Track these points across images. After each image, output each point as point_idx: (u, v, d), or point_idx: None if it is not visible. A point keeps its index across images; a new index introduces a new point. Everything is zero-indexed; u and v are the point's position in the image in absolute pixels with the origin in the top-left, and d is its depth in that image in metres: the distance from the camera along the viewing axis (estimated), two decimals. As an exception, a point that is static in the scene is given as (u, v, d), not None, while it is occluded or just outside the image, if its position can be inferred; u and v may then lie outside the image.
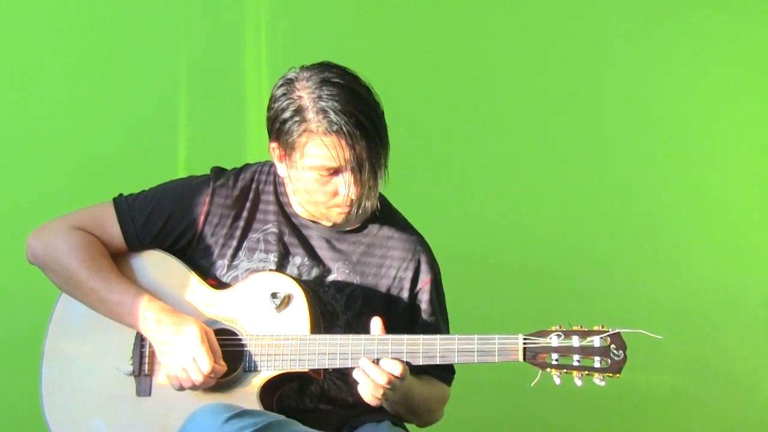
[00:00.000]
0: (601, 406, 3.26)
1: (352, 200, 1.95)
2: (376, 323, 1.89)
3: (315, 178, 1.94)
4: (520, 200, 3.33)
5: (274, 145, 1.98)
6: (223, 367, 1.90)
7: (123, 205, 2.06)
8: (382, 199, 2.15)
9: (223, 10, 3.12)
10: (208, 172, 2.12)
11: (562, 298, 3.20)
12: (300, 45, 3.07)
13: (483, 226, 3.25)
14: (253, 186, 2.09)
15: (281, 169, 2.00)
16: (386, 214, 2.12)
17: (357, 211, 1.98)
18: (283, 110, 1.92)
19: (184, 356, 1.89)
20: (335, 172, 1.93)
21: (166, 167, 2.96)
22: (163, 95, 3.05)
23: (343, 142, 1.89)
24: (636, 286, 3.35)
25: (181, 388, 1.92)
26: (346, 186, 1.93)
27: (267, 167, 2.12)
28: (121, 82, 3.00)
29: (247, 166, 2.14)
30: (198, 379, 1.88)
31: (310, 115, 1.89)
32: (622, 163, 3.42)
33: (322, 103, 1.88)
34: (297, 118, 1.91)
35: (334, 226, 2.06)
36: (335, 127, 1.87)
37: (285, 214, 2.08)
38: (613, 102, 3.44)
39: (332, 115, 1.87)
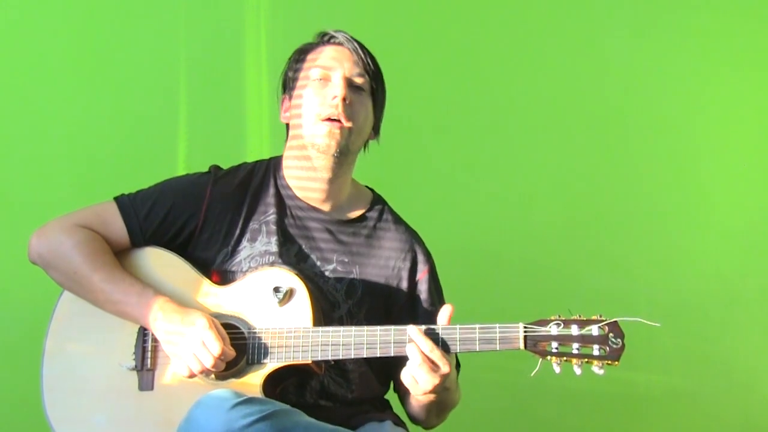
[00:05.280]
0: (600, 405, 3.26)
1: (342, 106, 2.05)
2: (444, 311, 1.91)
3: (312, 87, 2.09)
4: (522, 195, 3.34)
5: (285, 97, 2.18)
6: (231, 351, 1.91)
7: (125, 201, 2.09)
8: (378, 196, 2.25)
9: (223, 9, 3.13)
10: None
11: (561, 296, 3.20)
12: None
13: (484, 221, 3.26)
14: (254, 177, 2.15)
15: (286, 117, 2.17)
16: (381, 209, 2.21)
17: (349, 138, 2.07)
18: (291, 59, 2.18)
19: (194, 342, 1.90)
20: (329, 77, 2.09)
21: (166, 167, 2.96)
22: (163, 95, 3.05)
23: (340, 48, 2.13)
24: (636, 284, 3.35)
25: (192, 376, 1.92)
26: (337, 85, 2.07)
27: (265, 162, 2.20)
28: (121, 82, 3.01)
29: (245, 163, 2.21)
30: (209, 361, 1.88)
31: (314, 39, 2.17)
32: (623, 159, 3.44)
33: (325, 31, 2.16)
34: (302, 49, 2.17)
35: (332, 210, 2.13)
36: (334, 39, 2.14)
37: (284, 204, 2.13)
38: (614, 98, 3.46)
39: (332, 32, 2.15)
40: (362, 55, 2.12)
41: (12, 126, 2.96)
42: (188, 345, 1.90)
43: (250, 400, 1.75)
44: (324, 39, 2.16)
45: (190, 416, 1.75)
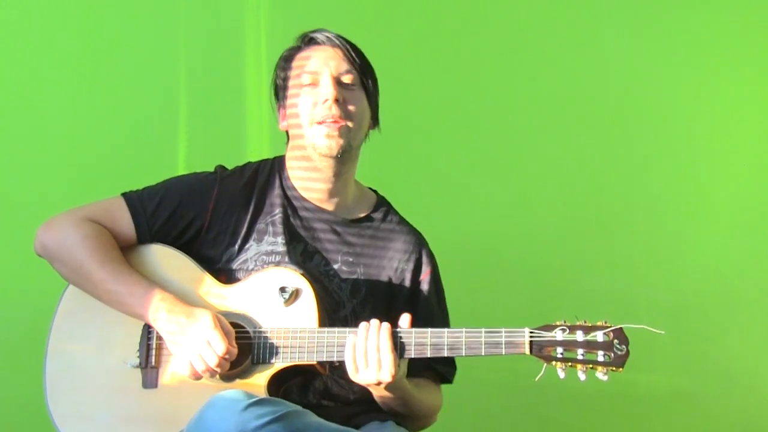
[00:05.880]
0: (600, 405, 3.26)
1: (336, 107, 2.04)
2: (405, 318, 1.91)
3: (303, 93, 2.08)
4: (523, 195, 3.34)
5: (279, 105, 2.18)
6: (235, 348, 1.90)
7: (132, 197, 2.09)
8: (382, 197, 2.25)
9: (223, 9, 3.13)
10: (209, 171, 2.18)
11: (561, 296, 3.21)
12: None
13: (484, 221, 3.26)
14: (259, 177, 2.15)
15: (284, 125, 2.16)
16: (386, 210, 2.21)
17: (348, 135, 2.06)
18: (277, 67, 2.17)
19: (198, 341, 1.89)
20: (318, 81, 2.08)
21: (166, 167, 2.95)
22: (163, 95, 3.05)
23: (323, 48, 2.11)
24: (636, 284, 3.36)
25: (196, 377, 1.91)
26: (326, 86, 2.05)
27: (270, 162, 2.19)
28: (121, 82, 3.00)
29: (249, 162, 2.20)
30: (213, 361, 1.87)
31: (296, 43, 2.15)
32: (623, 159, 3.44)
33: (305, 33, 2.14)
34: (287, 56, 2.15)
35: (337, 210, 2.13)
36: (316, 39, 2.12)
37: (290, 203, 2.13)
38: (615, 98, 3.46)
39: (315, 33, 2.12)
40: (347, 51, 2.10)
41: (13, 125, 2.95)
42: (192, 344, 1.89)
43: (262, 401, 1.73)
44: (306, 41, 2.14)
45: (201, 416, 1.73)
